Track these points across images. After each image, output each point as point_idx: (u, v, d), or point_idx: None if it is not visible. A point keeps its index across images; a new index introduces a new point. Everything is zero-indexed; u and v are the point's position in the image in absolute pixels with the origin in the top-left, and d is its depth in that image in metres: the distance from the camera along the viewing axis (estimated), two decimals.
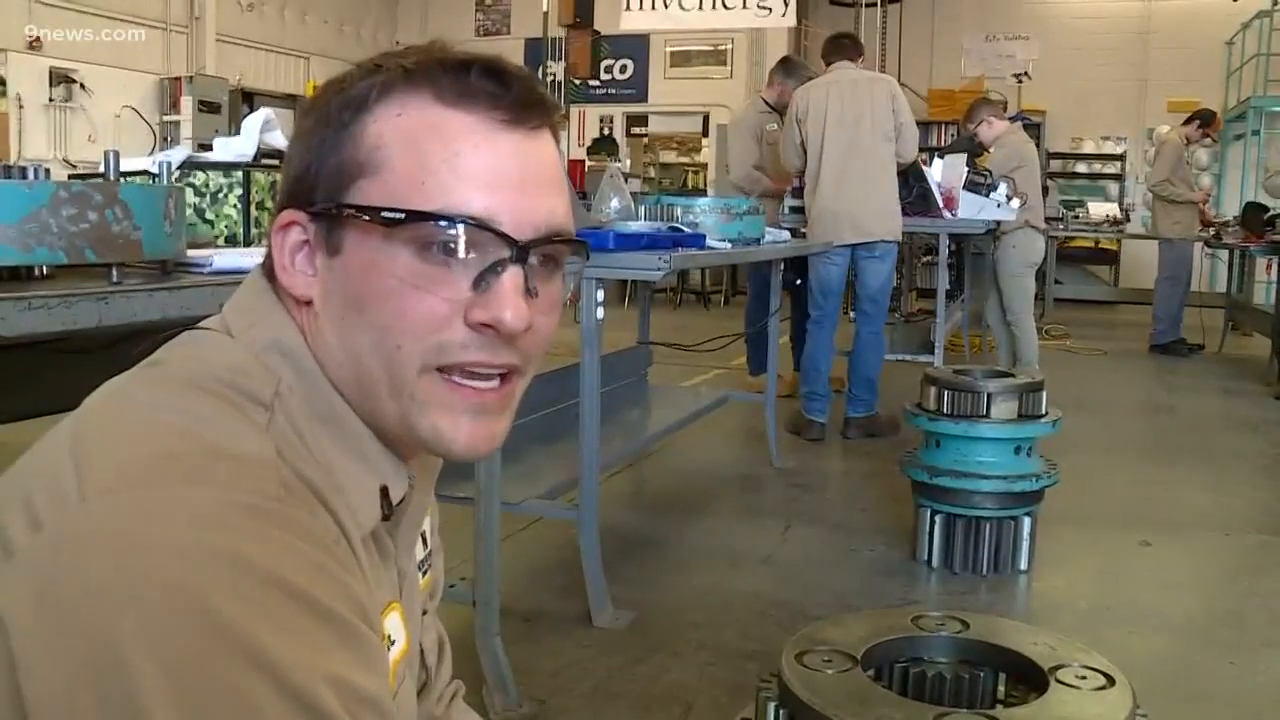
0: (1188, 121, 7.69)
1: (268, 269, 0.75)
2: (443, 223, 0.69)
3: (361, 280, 0.70)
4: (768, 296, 4.62)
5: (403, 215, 0.69)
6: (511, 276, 0.70)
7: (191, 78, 9.81)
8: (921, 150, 5.33)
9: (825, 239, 4.57)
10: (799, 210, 5.00)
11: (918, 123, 5.01)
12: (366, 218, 0.69)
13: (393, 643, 0.77)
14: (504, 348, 0.71)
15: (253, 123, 1.86)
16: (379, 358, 0.70)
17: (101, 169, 1.23)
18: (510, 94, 0.71)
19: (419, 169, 0.69)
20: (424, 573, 0.92)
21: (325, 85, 0.75)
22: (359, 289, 0.71)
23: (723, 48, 12.51)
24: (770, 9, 9.26)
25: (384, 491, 0.75)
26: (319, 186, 0.72)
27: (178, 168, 1.68)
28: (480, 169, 0.70)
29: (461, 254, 0.69)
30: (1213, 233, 8.09)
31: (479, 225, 0.69)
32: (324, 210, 0.71)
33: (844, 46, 4.91)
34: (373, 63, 0.74)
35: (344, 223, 0.71)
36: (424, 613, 0.92)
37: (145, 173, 1.71)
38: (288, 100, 10.20)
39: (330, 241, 0.72)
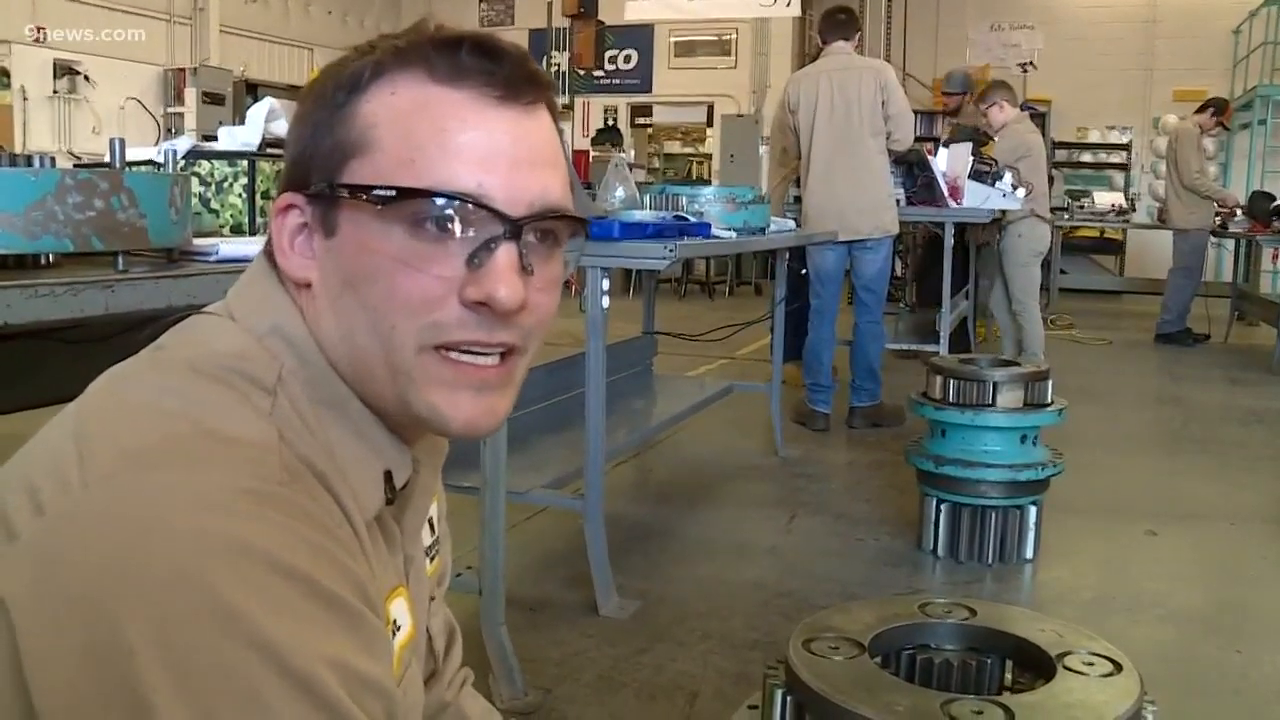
0: (1201, 110, 7.63)
1: (270, 253, 0.75)
2: (435, 200, 0.68)
3: (355, 261, 0.70)
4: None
5: (394, 193, 0.68)
6: (506, 253, 0.69)
7: (195, 69, 9.80)
8: (927, 140, 5.28)
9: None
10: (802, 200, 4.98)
11: (922, 113, 4.98)
12: (360, 197, 0.69)
13: (398, 628, 0.77)
14: (500, 326, 0.70)
15: (257, 112, 1.86)
16: (375, 338, 0.70)
17: (106, 159, 1.23)
18: (502, 70, 0.71)
19: (410, 147, 0.69)
20: (431, 558, 0.91)
21: (324, 69, 0.75)
22: (353, 270, 0.70)
23: (727, 38, 12.47)
24: None
25: (387, 475, 0.74)
26: (315, 168, 0.71)
27: (183, 157, 1.68)
28: (472, 146, 0.69)
29: (454, 231, 0.69)
30: (1218, 222, 8.06)
31: (471, 202, 0.68)
32: (319, 192, 0.71)
33: (840, 24, 4.74)
34: (368, 44, 0.73)
35: (338, 204, 0.70)
36: (431, 599, 0.92)
37: (150, 162, 1.71)
38: (291, 91, 10.18)
39: (326, 223, 0.71)
